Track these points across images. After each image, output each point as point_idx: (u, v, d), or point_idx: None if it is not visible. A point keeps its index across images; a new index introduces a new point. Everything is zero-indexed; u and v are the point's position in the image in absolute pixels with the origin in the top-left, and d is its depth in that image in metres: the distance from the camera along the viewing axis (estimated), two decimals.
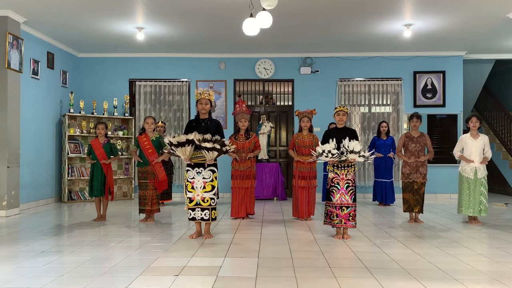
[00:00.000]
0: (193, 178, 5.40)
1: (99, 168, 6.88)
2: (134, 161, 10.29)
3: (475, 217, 6.71)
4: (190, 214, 5.46)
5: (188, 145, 5.21)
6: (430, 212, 7.82)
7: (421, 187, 6.72)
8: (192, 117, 10.57)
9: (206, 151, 5.20)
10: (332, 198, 5.44)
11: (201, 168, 5.39)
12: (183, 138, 5.22)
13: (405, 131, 8.29)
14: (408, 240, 5.45)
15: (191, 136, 5.19)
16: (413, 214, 6.83)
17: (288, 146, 7.34)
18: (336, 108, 5.72)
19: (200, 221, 5.46)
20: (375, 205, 9.08)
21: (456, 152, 6.86)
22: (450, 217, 7.39)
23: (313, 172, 6.97)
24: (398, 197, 9.11)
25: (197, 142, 5.18)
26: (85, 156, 8.57)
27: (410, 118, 6.88)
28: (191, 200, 5.42)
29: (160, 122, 8.91)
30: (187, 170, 5.45)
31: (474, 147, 6.68)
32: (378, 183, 9.00)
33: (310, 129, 7.06)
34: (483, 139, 6.71)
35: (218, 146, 5.18)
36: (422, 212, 6.83)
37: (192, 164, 5.39)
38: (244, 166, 6.99)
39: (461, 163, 6.85)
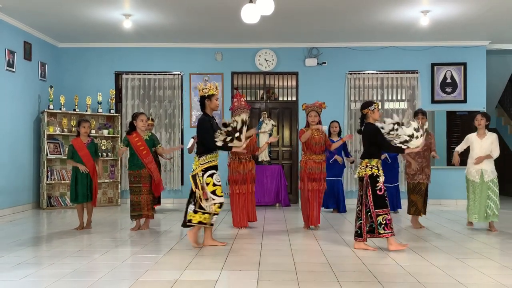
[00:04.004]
0: (220, 181, 5.55)
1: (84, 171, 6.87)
2: (121, 160, 10.29)
3: (490, 223, 6.77)
4: (214, 218, 5.58)
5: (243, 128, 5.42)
6: (450, 220, 7.83)
7: (427, 188, 7.13)
8: (186, 114, 10.62)
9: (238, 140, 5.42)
10: (389, 204, 5.50)
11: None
12: (238, 120, 5.43)
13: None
14: (425, 251, 5.45)
15: (242, 118, 5.45)
16: (416, 217, 7.10)
17: (299, 137, 7.17)
18: (374, 103, 5.64)
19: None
20: None
21: (456, 149, 7.09)
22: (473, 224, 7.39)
23: (323, 173, 6.87)
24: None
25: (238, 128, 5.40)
26: (65, 157, 8.55)
27: (415, 115, 7.12)
28: (221, 206, 5.54)
29: (150, 119, 8.88)
30: (212, 174, 5.49)
31: (479, 147, 6.80)
32: None
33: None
34: (491, 137, 6.80)
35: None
36: (425, 214, 7.18)
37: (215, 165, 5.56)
38: (246, 169, 6.97)
39: (467, 165, 6.98)
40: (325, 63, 10.55)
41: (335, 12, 8.38)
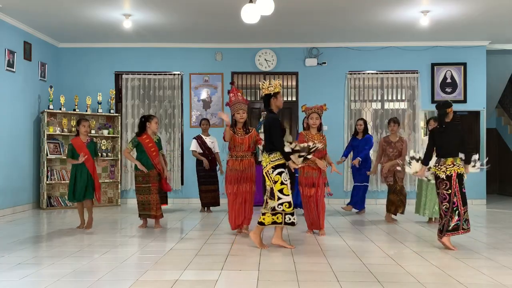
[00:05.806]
0: (287, 180, 5.54)
1: (84, 169, 6.87)
2: (121, 160, 10.30)
3: (436, 217, 7.28)
4: (290, 219, 5.50)
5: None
6: None
7: (402, 189, 7.60)
8: (186, 114, 10.60)
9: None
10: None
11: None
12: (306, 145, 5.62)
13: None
14: (425, 251, 5.45)
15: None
16: (390, 214, 7.65)
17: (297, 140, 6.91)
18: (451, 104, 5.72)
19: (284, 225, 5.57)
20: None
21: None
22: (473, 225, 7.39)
23: (322, 178, 6.49)
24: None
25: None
26: (65, 157, 8.52)
27: (388, 122, 7.81)
28: (290, 204, 5.48)
29: None
30: (281, 172, 5.48)
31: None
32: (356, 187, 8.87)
33: (319, 128, 6.62)
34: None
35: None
36: (403, 213, 7.66)
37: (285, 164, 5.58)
38: (244, 168, 6.47)
39: None
40: (325, 63, 10.55)
41: (335, 12, 8.38)
